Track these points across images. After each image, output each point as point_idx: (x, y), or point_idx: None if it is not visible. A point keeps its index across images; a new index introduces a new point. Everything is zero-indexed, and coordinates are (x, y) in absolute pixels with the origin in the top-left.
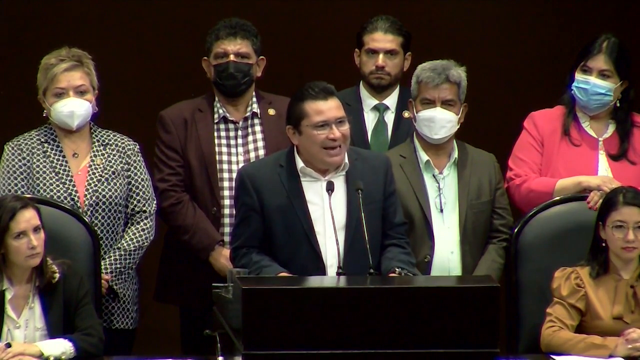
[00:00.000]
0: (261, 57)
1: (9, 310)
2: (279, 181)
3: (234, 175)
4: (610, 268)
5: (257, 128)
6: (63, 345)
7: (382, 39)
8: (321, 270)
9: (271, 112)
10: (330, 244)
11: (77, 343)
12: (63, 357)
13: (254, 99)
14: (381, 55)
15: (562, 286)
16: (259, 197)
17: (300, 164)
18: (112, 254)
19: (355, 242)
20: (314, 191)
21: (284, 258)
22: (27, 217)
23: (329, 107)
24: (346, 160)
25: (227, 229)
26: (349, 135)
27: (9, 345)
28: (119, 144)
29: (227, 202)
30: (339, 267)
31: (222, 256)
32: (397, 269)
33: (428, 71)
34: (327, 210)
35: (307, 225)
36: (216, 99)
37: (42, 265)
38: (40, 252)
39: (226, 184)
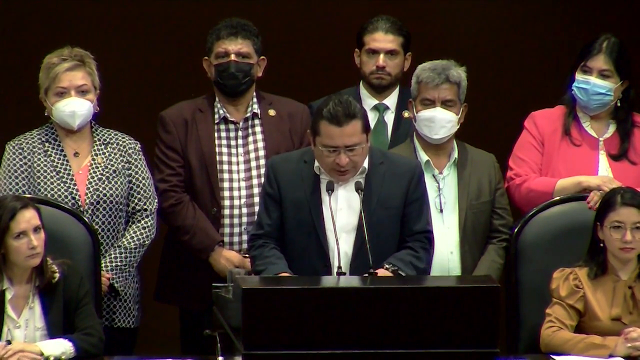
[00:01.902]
0: (262, 57)
1: (9, 310)
2: (300, 176)
3: (234, 175)
4: (608, 269)
5: (258, 129)
6: (63, 345)
7: (382, 39)
8: (327, 268)
9: (271, 112)
10: (339, 243)
11: (77, 343)
12: (63, 357)
13: (255, 100)
14: (382, 56)
15: (561, 287)
16: (279, 189)
17: (316, 163)
18: (112, 252)
19: (366, 245)
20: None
21: (293, 252)
22: (27, 217)
23: (340, 134)
24: (365, 164)
25: (227, 230)
26: (362, 158)
27: (8, 343)
28: (120, 142)
29: (226, 202)
30: (338, 267)
31: (222, 257)
32: (386, 265)
33: (428, 71)
34: (336, 210)
35: (318, 222)
36: (216, 99)
37: (42, 265)
38: (41, 252)
39: (226, 184)
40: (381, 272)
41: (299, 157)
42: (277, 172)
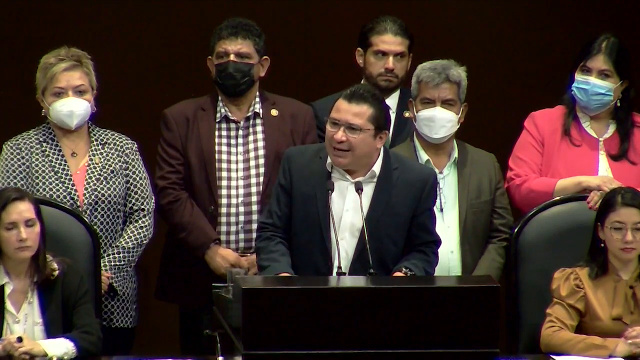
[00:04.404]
0: (265, 57)
1: (8, 304)
2: (312, 171)
3: (233, 174)
4: (609, 269)
5: (258, 128)
6: (65, 346)
7: (392, 42)
8: (329, 266)
9: (274, 112)
10: (342, 242)
11: (78, 342)
12: (65, 357)
13: (257, 99)
14: (391, 58)
15: (562, 287)
16: (291, 180)
17: (329, 159)
18: (110, 252)
19: (369, 248)
20: (339, 190)
21: (297, 246)
22: (20, 209)
23: (346, 110)
24: (376, 168)
25: (223, 228)
26: (360, 146)
27: (20, 340)
28: (117, 143)
29: (224, 201)
30: (338, 267)
31: (218, 255)
32: (403, 269)
33: (428, 71)
34: (342, 210)
35: (324, 220)
36: (219, 98)
37: (39, 260)
38: (32, 246)
39: (224, 182)
40: (397, 275)
41: (315, 151)
42: (291, 164)
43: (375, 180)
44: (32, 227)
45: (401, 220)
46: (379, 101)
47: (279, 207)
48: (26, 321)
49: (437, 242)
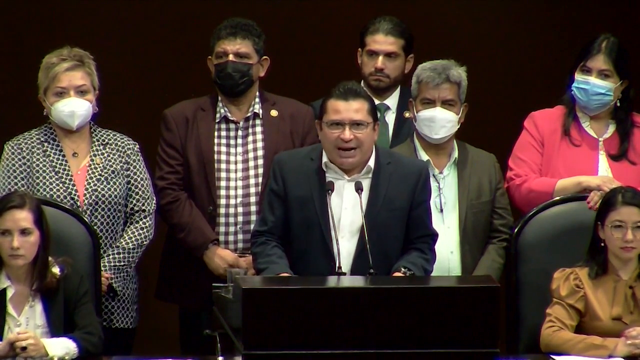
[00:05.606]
0: (264, 57)
1: (10, 308)
2: (305, 173)
3: (232, 175)
4: (609, 268)
5: (258, 129)
6: (67, 346)
7: (382, 41)
8: (332, 266)
9: (273, 113)
10: (342, 241)
11: (80, 342)
12: (67, 357)
13: (257, 100)
14: (380, 58)
15: (561, 287)
16: (284, 185)
17: (325, 158)
18: (110, 252)
19: (370, 245)
20: (336, 188)
21: (298, 249)
22: (16, 217)
23: (346, 108)
24: (371, 163)
25: (222, 229)
26: (367, 140)
27: (24, 349)
28: (119, 143)
29: (223, 201)
30: (338, 267)
31: (216, 255)
32: (402, 269)
33: (428, 71)
34: (341, 209)
35: (323, 220)
36: (219, 98)
37: (37, 267)
38: (25, 255)
39: (223, 183)
40: (397, 275)
41: (305, 154)
42: (282, 169)
43: (370, 175)
44: (27, 236)
45: (399, 214)
46: (367, 93)
47: (272, 213)
48: (27, 324)
49: (434, 235)
